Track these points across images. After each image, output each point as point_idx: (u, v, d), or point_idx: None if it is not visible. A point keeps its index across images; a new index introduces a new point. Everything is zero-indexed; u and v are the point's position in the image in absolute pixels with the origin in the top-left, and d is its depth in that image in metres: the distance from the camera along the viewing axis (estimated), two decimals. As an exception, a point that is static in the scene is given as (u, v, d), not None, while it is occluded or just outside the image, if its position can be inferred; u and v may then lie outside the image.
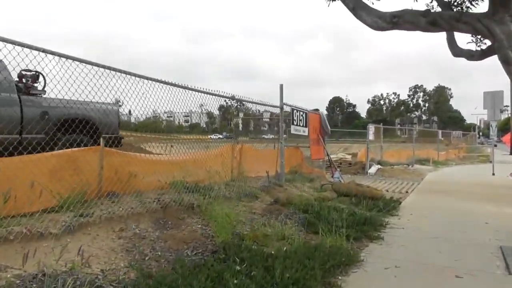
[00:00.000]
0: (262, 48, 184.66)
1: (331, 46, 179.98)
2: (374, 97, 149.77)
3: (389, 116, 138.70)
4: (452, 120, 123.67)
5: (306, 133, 12.03)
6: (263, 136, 14.76)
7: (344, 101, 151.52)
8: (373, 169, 18.89)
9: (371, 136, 19.51)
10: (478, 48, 6.81)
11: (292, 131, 11.04)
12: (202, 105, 8.48)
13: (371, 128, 19.70)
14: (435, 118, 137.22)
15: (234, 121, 10.89)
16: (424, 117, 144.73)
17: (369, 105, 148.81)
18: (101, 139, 6.30)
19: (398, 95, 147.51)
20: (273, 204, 7.79)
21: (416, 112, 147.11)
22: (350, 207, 8.93)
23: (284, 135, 10.78)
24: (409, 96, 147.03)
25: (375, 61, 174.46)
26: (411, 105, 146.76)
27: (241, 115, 12.40)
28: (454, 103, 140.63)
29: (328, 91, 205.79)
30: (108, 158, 6.40)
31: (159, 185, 7.19)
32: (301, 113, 11.62)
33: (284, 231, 6.21)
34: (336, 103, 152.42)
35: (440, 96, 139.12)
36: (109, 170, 6.35)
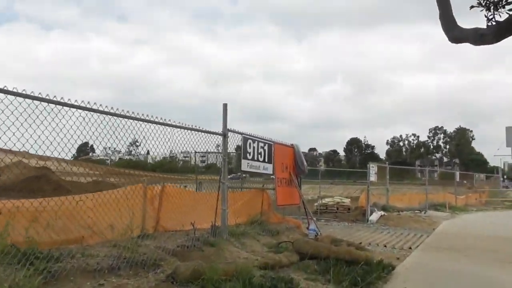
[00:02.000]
0: (281, 91, 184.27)
1: (350, 88, 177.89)
2: (393, 138, 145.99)
3: (408, 157, 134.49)
4: (474, 163, 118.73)
5: (270, 171, 9.15)
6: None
7: (362, 142, 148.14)
8: (374, 216, 15.72)
9: (372, 177, 16.45)
10: (491, 23, 3.96)
11: (244, 168, 8.18)
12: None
13: (373, 168, 16.67)
14: (457, 161, 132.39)
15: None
16: (445, 159, 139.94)
17: (388, 146, 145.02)
18: None
19: (418, 136, 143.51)
20: (166, 281, 4.84)
21: (436, 154, 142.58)
22: (305, 282, 5.93)
23: (231, 175, 7.89)
24: (429, 137, 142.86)
25: (394, 103, 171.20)
26: (431, 147, 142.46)
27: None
28: (476, 146, 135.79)
29: (346, 133, 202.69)
30: None
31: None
32: (261, 144, 8.79)
33: None
34: (354, 144, 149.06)
35: (461, 138, 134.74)
36: None
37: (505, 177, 70.45)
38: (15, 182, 22.93)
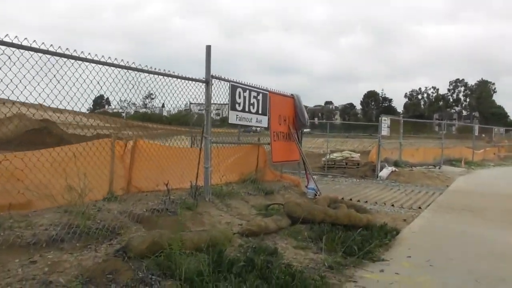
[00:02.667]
0: (298, 42, 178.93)
1: (370, 40, 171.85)
2: (411, 91, 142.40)
3: (426, 111, 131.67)
4: (495, 117, 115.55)
5: (264, 124, 8.19)
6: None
7: (380, 95, 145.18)
8: (384, 172, 14.79)
9: (384, 131, 15.38)
10: None
11: (233, 120, 7.23)
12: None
13: (385, 121, 15.57)
14: (477, 114, 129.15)
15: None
16: (464, 113, 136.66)
17: (406, 99, 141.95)
18: None
19: (437, 89, 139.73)
20: (116, 257, 4.03)
21: (456, 108, 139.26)
22: (293, 251, 5.13)
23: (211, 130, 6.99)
24: (449, 90, 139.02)
25: (414, 55, 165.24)
26: (451, 100, 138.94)
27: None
28: (498, 99, 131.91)
29: (364, 86, 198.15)
30: None
31: None
32: (254, 93, 7.79)
33: None
34: (371, 97, 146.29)
35: (483, 90, 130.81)
36: None
37: (527, 131, 68.25)
38: (16, 134, 22.44)
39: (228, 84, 7.08)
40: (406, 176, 14.91)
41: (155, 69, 5.94)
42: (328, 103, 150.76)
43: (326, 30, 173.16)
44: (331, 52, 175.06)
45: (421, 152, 20.04)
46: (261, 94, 8.02)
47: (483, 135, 35.70)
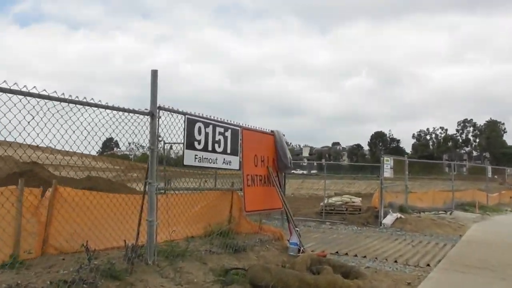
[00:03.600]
0: (304, 85, 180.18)
1: (375, 81, 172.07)
2: (419, 132, 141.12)
3: (436, 151, 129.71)
4: (506, 157, 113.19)
5: (235, 166, 6.80)
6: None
7: (387, 136, 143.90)
8: (389, 219, 13.22)
9: (387, 172, 13.93)
10: None
11: (189, 162, 5.84)
12: None
13: (388, 162, 14.14)
14: (487, 155, 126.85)
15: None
16: (474, 153, 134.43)
17: (414, 140, 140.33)
18: None
19: (446, 129, 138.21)
20: None
21: (466, 148, 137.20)
22: None
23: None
24: (457, 131, 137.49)
25: (421, 96, 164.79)
26: (460, 140, 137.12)
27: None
28: (508, 139, 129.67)
29: (371, 127, 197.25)
30: None
31: None
32: (220, 129, 6.45)
33: None
34: (378, 138, 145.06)
35: (492, 131, 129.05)
36: None
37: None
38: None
39: (184, 118, 5.75)
40: (413, 223, 13.31)
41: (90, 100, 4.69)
42: (336, 144, 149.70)
43: (331, 73, 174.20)
44: (336, 94, 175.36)
45: (430, 195, 18.40)
46: (230, 130, 6.68)
47: (496, 177, 33.99)
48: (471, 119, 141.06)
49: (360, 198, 15.10)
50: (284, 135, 8.09)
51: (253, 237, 7.34)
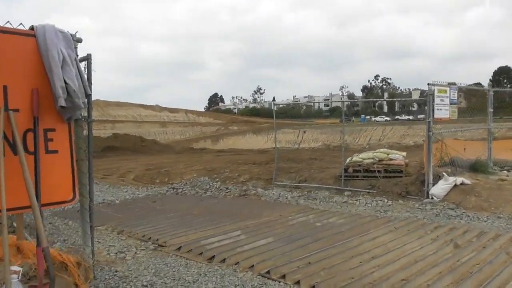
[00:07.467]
0: (417, 23, 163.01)
1: (500, 10, 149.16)
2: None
3: None
4: None
5: None
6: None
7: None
8: (440, 188, 8.07)
9: (441, 113, 8.57)
10: None
11: None
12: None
13: (444, 93, 8.74)
14: None
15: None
16: None
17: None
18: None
19: None
20: None
21: None
22: None
23: None
24: None
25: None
26: None
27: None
28: None
29: (496, 63, 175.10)
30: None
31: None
32: None
33: None
34: (502, 74, 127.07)
35: None
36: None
37: None
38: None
39: None
40: (484, 194, 7.96)
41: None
42: (451, 84, 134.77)
43: (447, 7, 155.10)
44: (454, 30, 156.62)
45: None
46: None
47: None
48: None
49: (405, 153, 9.84)
50: (71, 34, 3.55)
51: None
